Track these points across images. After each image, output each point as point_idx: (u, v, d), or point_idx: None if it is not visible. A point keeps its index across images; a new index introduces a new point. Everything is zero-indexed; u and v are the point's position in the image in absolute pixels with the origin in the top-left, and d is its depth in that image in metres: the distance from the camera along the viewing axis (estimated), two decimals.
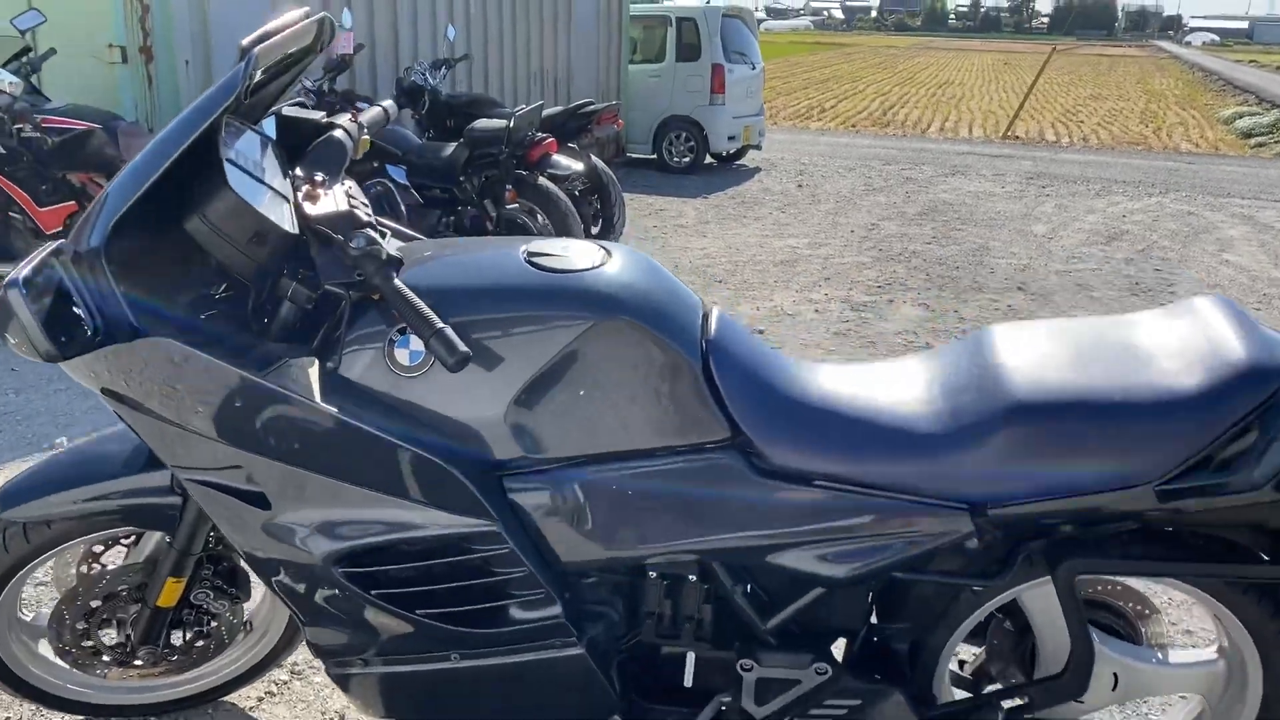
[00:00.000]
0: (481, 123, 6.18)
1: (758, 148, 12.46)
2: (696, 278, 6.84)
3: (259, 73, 1.73)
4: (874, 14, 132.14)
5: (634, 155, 11.84)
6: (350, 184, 1.90)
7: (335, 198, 1.78)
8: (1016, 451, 1.67)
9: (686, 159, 11.56)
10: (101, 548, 2.15)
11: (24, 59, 5.85)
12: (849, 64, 39.71)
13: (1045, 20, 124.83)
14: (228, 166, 1.64)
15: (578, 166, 6.29)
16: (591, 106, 7.25)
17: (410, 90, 7.49)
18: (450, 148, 6.21)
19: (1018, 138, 17.15)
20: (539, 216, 6.12)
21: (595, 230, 7.05)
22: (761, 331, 5.63)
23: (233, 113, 1.76)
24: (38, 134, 5.54)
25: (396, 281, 1.61)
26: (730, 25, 11.61)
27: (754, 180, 11.31)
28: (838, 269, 7.22)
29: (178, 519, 1.97)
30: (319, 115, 1.94)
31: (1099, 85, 30.40)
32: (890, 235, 8.44)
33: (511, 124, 5.88)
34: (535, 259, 1.78)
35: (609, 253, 1.84)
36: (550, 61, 10.55)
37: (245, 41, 1.64)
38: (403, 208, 6.19)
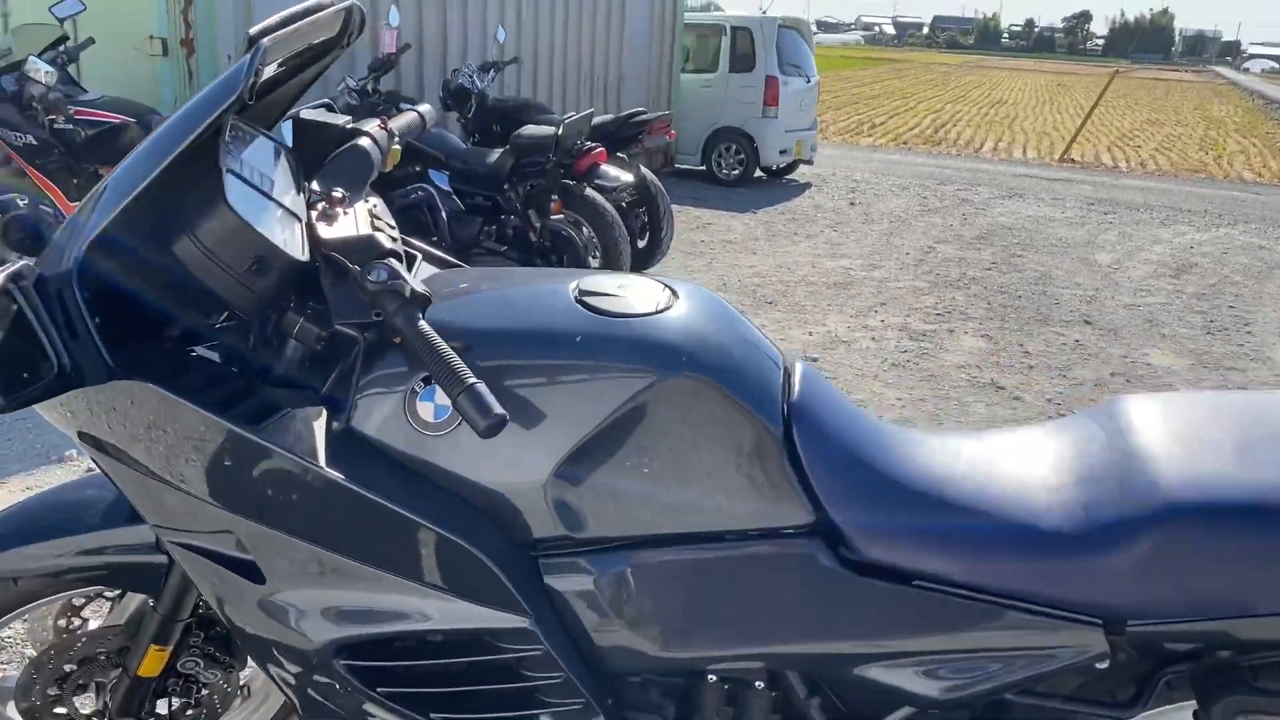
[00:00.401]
0: (528, 129, 5.92)
1: (809, 162, 12.16)
2: (746, 298, 6.55)
3: (272, 67, 1.47)
4: (926, 30, 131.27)
5: (682, 166, 11.56)
6: (375, 202, 1.63)
7: (356, 218, 1.51)
8: (1167, 559, 1.36)
9: (736, 172, 11.27)
10: (83, 600, 1.89)
11: (61, 48, 5.67)
12: (900, 80, 39.27)
13: (1100, 42, 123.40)
14: (228, 178, 1.37)
15: (627, 178, 6.02)
16: (643, 116, 6.98)
17: (457, 93, 7.26)
18: (495, 154, 5.97)
19: (1074, 161, 16.71)
20: (584, 229, 5.86)
21: (642, 244, 6.78)
22: (815, 360, 5.33)
23: (239, 114, 1.50)
24: (70, 126, 5.35)
25: (421, 324, 1.34)
26: (786, 36, 11.32)
27: (805, 196, 11.00)
28: (894, 294, 6.89)
29: (163, 581, 1.71)
30: (342, 120, 1.68)
31: (1155, 110, 29.77)
32: (948, 259, 8.10)
33: (560, 132, 5.62)
34: (588, 299, 1.50)
35: (675, 293, 1.56)
36: (601, 67, 10.30)
37: (254, 30, 1.37)
38: (444, 214, 5.95)
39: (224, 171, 1.38)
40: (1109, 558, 1.38)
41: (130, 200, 1.32)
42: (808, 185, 11.75)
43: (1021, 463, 1.54)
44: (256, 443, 1.37)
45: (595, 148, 5.91)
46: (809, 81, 11.76)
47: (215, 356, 1.50)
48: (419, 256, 1.87)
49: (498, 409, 1.27)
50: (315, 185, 1.55)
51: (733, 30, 11.21)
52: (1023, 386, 5.13)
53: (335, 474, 1.36)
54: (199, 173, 1.40)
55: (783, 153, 11.31)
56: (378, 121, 1.70)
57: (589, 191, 5.82)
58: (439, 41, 8.14)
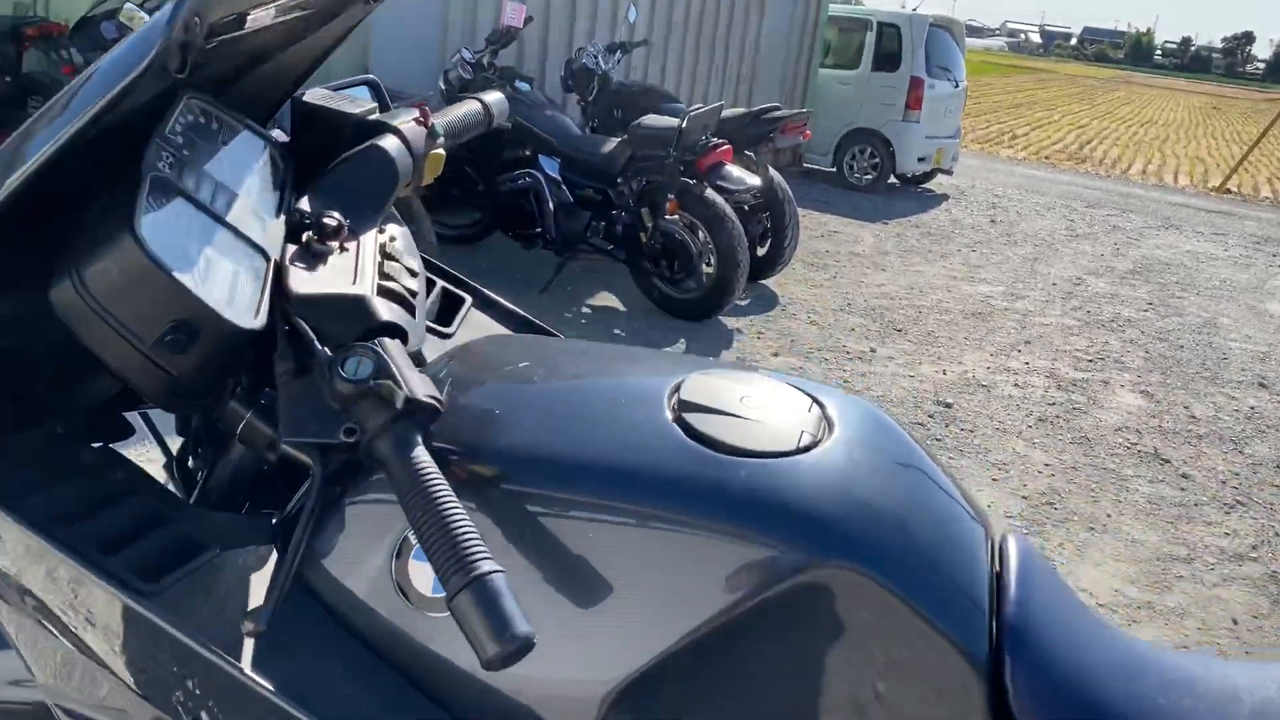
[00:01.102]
0: (650, 119, 5.39)
1: (948, 172, 11.39)
2: (872, 322, 5.92)
3: (268, 13, 0.97)
4: (1074, 41, 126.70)
5: (811, 166, 10.91)
6: (396, 234, 1.10)
7: (357, 262, 1.00)
8: None
9: (869, 177, 10.56)
10: None
11: None
12: (1044, 91, 37.72)
13: (1261, 65, 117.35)
14: (148, 192, 0.87)
15: (753, 181, 5.42)
16: (778, 112, 6.37)
17: (579, 73, 6.76)
18: (612, 144, 5.45)
19: (1230, 191, 15.51)
20: (700, 233, 5.31)
21: (761, 252, 6.20)
22: (949, 405, 4.69)
23: (211, 95, 1.01)
24: None
25: (415, 456, 0.82)
26: (936, 36, 10.55)
27: (941, 209, 10.25)
28: (1039, 331, 6.18)
29: None
30: (362, 108, 1.16)
31: None
32: (1099, 295, 7.32)
33: (684, 124, 5.07)
34: (691, 417, 0.96)
35: (826, 417, 1.00)
36: (735, 56, 9.70)
37: None
38: (550, 205, 5.48)
39: (145, 179, 0.88)
40: None
41: None
42: (945, 197, 10.98)
43: None
44: (147, 619, 0.87)
45: (721, 145, 5.33)
46: (956, 86, 10.97)
47: (112, 458, 1.02)
48: (468, 302, 1.36)
49: (521, 626, 0.74)
50: (304, 205, 1.04)
51: (879, 26, 10.48)
52: (1191, 462, 4.41)
53: (262, 684, 0.86)
54: (119, 172, 0.91)
55: (921, 160, 10.56)
56: (416, 112, 1.18)
57: (709, 192, 5.25)
58: (567, 16, 7.65)
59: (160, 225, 0.87)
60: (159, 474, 1.15)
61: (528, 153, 5.61)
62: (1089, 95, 38.85)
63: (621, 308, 5.63)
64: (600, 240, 5.49)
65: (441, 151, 1.20)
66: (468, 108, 1.29)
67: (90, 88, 0.85)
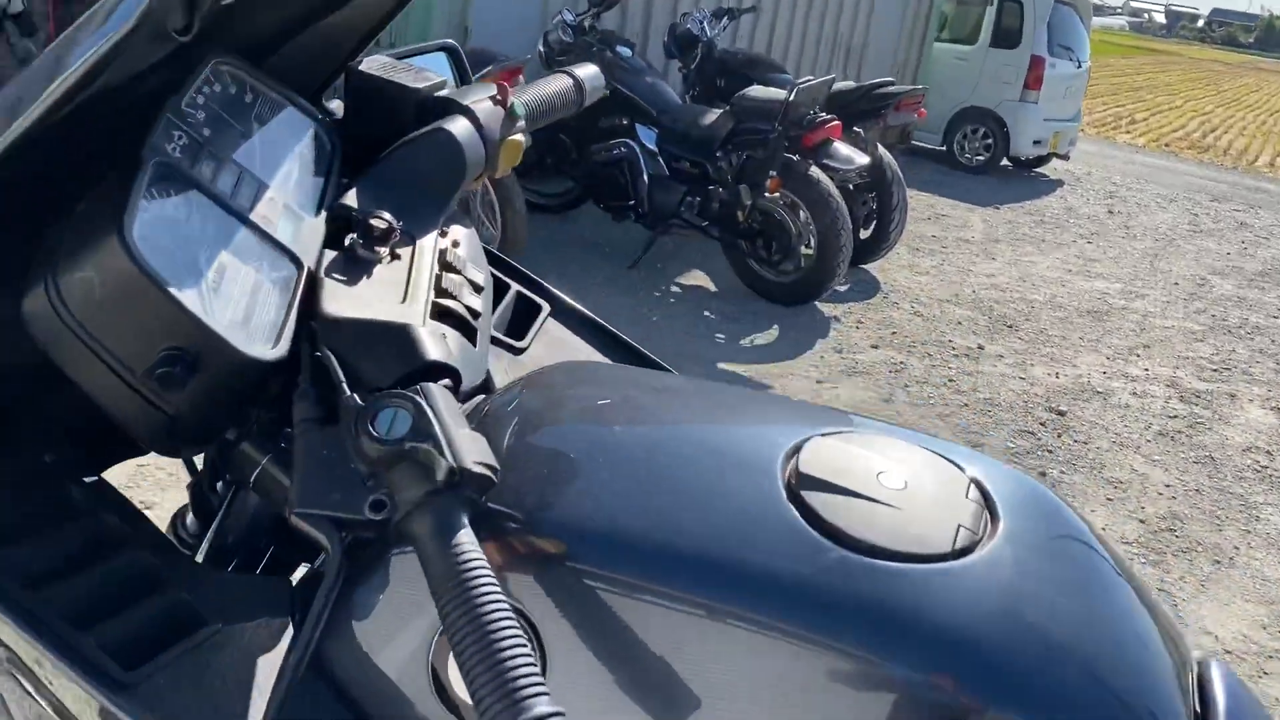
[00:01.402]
0: (755, 91, 5.13)
1: (1064, 157, 10.85)
2: (980, 315, 5.60)
3: None
4: (1201, 23, 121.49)
5: (919, 144, 10.45)
6: (460, 237, 0.91)
7: (409, 274, 0.81)
8: None
9: (981, 158, 10.11)
10: None
11: None
12: (1165, 74, 36.13)
13: None
14: (151, 183, 0.70)
15: (861, 160, 5.12)
16: (891, 88, 6.05)
17: (683, 39, 6.47)
18: (713, 115, 5.20)
19: None
20: (801, 213, 5.04)
21: (865, 235, 5.91)
22: (1062, 413, 4.38)
23: (240, 56, 0.83)
24: None
25: (459, 543, 0.63)
26: (1061, 13, 10.01)
27: (1055, 195, 9.77)
28: (1160, 334, 5.79)
29: None
30: (430, 80, 0.96)
31: None
32: (1225, 297, 6.86)
33: (792, 98, 4.80)
34: (812, 498, 0.75)
35: (985, 500, 0.79)
36: (847, 27, 9.30)
37: None
38: (645, 178, 5.26)
39: (146, 166, 0.71)
40: None
41: None
42: (1059, 183, 10.47)
43: None
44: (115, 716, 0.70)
45: (830, 120, 5.04)
46: (1079, 67, 10.42)
47: (124, 497, 0.85)
48: (544, 311, 1.17)
49: None
50: (350, 200, 0.86)
51: (1000, 0, 9.98)
52: None
53: None
54: (129, 151, 0.73)
55: (1037, 143, 10.06)
56: (492, 88, 0.98)
57: (813, 170, 4.97)
58: None
59: (159, 225, 0.69)
60: (180, 496, 0.99)
61: (624, 121, 5.39)
62: (1214, 80, 37.14)
63: (712, 288, 5.40)
64: (695, 216, 5.26)
65: (520, 138, 0.99)
66: (556, 85, 1.09)
67: (79, 46, 0.67)
